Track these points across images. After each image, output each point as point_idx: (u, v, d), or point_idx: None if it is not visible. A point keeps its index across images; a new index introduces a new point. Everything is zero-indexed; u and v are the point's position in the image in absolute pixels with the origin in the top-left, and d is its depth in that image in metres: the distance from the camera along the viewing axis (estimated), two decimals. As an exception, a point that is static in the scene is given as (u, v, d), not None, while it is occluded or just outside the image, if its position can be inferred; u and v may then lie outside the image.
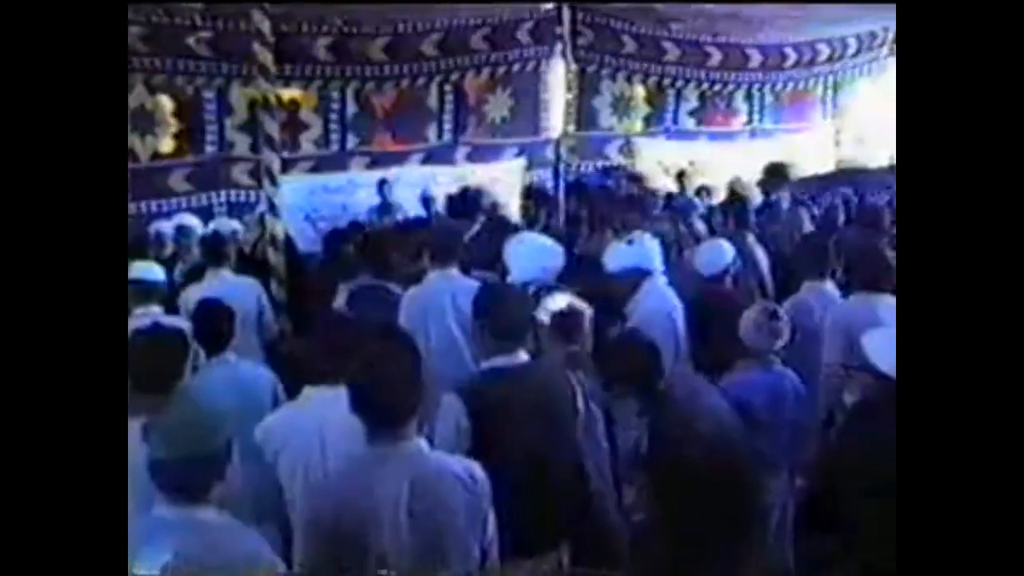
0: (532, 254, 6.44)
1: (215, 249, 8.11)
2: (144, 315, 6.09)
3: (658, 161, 13.65)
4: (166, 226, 10.07)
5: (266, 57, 9.06)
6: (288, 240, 9.25)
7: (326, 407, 4.22)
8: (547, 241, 6.80)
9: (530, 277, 6.14)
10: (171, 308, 6.77)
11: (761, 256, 8.24)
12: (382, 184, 11.84)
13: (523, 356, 4.44)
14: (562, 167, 12.86)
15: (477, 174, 12.65)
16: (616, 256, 6.51)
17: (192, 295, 7.08)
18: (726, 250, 7.01)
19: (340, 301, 6.90)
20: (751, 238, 8.39)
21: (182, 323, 5.78)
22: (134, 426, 3.87)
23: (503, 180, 12.69)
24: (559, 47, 12.58)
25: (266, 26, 8.96)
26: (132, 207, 11.28)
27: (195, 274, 8.12)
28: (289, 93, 11.88)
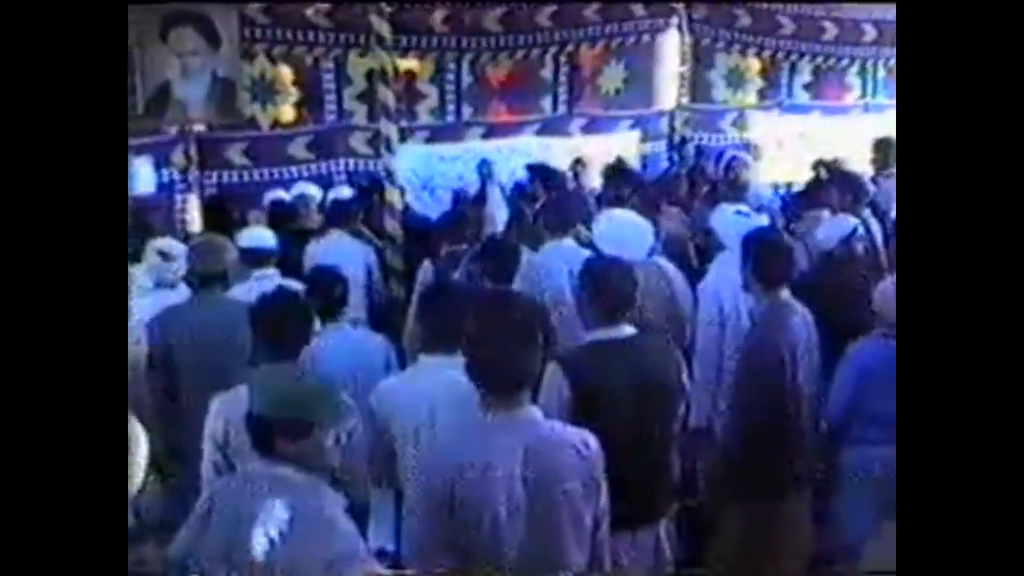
0: (620, 231, 6.45)
1: (334, 212, 8.29)
2: (262, 276, 6.32)
3: (771, 134, 13.51)
4: (285, 194, 10.30)
5: (383, 28, 9.20)
6: (405, 208, 9.44)
7: (438, 375, 4.32)
8: (636, 218, 6.77)
9: (620, 254, 6.20)
10: (287, 272, 6.93)
11: (876, 229, 8.17)
12: (482, 166, 11.57)
13: (628, 329, 4.46)
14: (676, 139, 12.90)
15: (591, 146, 12.64)
16: (731, 224, 6.54)
17: (309, 256, 7.30)
18: (849, 223, 6.96)
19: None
20: (867, 212, 8.32)
21: (290, 285, 5.98)
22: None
23: (617, 152, 12.68)
24: (674, 19, 12.56)
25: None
26: (256, 173, 11.63)
27: (312, 235, 8.29)
28: (406, 63, 12.00)
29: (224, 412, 4.32)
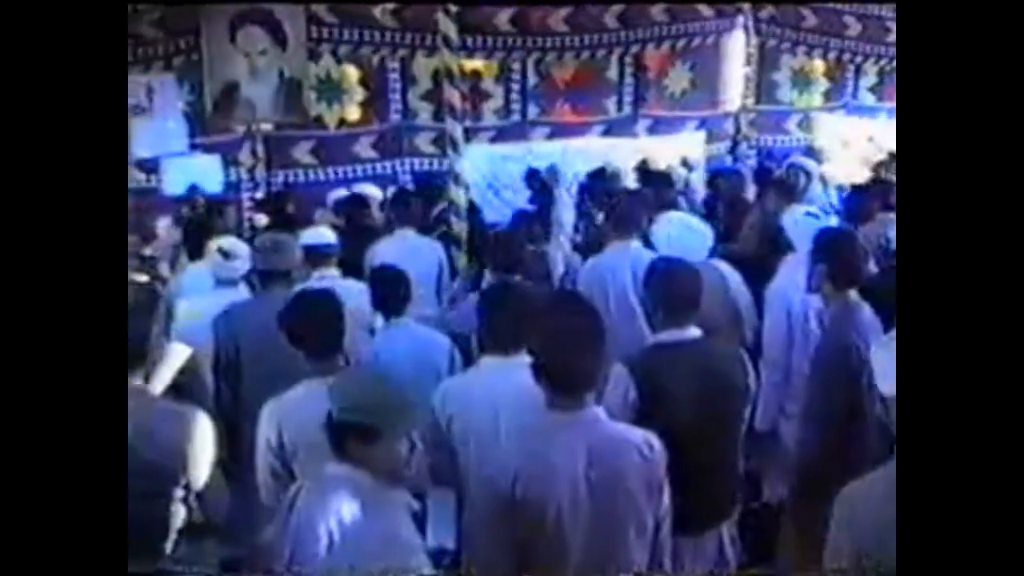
0: (680, 233, 6.42)
1: (399, 209, 8.30)
2: (320, 278, 6.34)
3: (837, 136, 13.40)
4: (344, 193, 10.34)
5: (449, 28, 9.22)
6: (471, 207, 9.44)
7: (501, 375, 4.30)
8: (695, 221, 6.74)
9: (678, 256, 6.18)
10: (349, 270, 6.94)
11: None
12: (531, 176, 11.39)
13: (694, 331, 4.42)
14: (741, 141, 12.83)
15: (657, 147, 12.60)
16: (802, 225, 6.45)
17: (375, 255, 7.30)
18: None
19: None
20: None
21: (350, 285, 6.04)
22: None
23: (683, 153, 12.65)
24: (740, 20, 12.49)
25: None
26: (321, 172, 11.71)
27: (377, 234, 8.29)
28: (471, 63, 12.03)
29: (278, 417, 4.31)
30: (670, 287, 4.47)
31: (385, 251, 7.38)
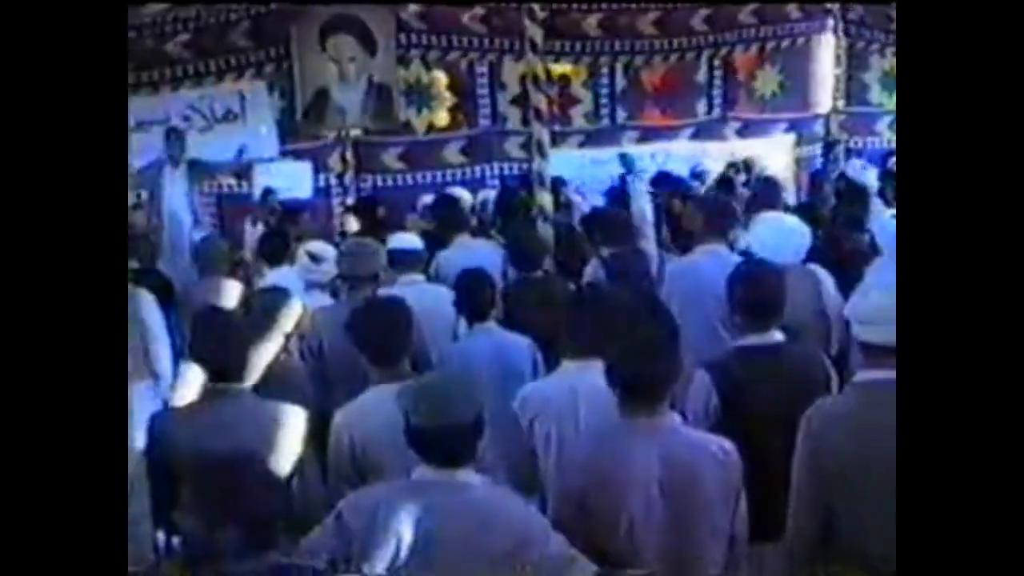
0: (777, 234, 6.26)
1: (451, 215, 8.39)
2: (408, 282, 6.38)
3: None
4: (428, 198, 10.36)
5: (536, 33, 9.23)
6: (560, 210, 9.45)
7: (582, 379, 4.27)
8: (793, 221, 6.58)
9: (774, 258, 6.13)
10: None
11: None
12: (617, 190, 10.68)
13: (777, 336, 4.38)
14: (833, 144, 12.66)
15: (747, 149, 12.51)
16: (890, 228, 6.35)
17: (441, 261, 7.35)
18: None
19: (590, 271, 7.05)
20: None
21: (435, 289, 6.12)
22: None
23: (773, 155, 12.54)
24: (829, 22, 12.37)
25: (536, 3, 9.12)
26: (410, 178, 11.80)
27: (441, 240, 8.29)
28: (560, 68, 12.06)
29: (348, 425, 4.30)
30: (752, 291, 4.43)
31: (451, 258, 7.36)
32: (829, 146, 12.84)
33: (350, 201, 11.38)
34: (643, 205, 7.66)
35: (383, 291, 5.97)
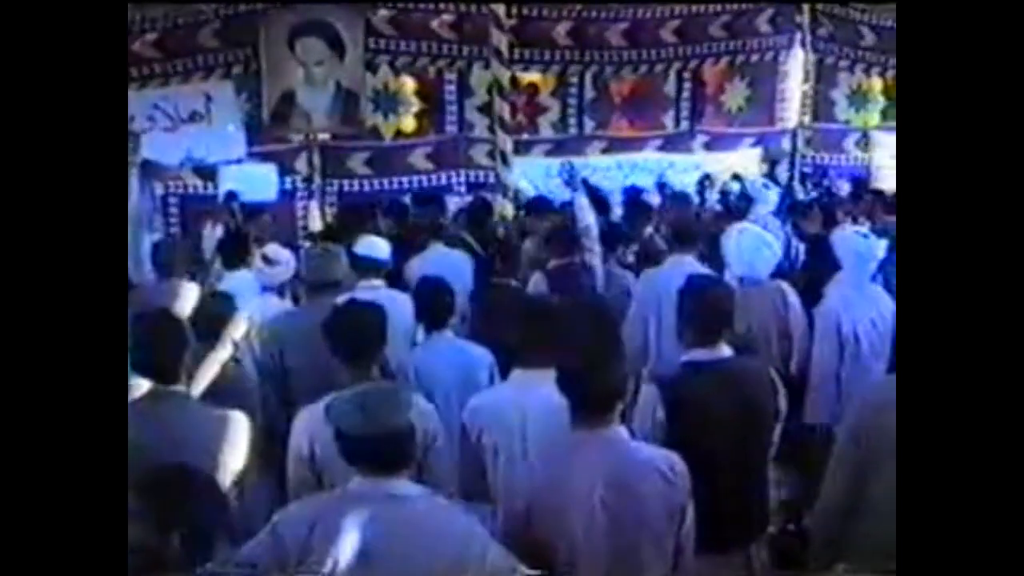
0: (750, 246, 6.37)
1: (430, 221, 8.34)
2: (368, 287, 6.35)
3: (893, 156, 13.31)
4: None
5: (502, 40, 9.25)
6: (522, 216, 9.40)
7: (531, 390, 4.25)
8: (767, 235, 6.66)
9: (747, 271, 6.18)
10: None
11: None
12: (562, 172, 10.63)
13: (725, 351, 4.36)
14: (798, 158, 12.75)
15: (713, 163, 12.58)
16: (851, 244, 6.38)
17: (413, 268, 7.32)
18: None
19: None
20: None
21: (395, 296, 6.05)
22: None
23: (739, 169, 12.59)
24: (798, 37, 12.45)
25: (502, 10, 9.12)
26: (376, 183, 11.78)
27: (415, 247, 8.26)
28: (529, 76, 12.07)
29: (308, 428, 4.27)
30: (701, 305, 4.42)
31: (421, 265, 7.35)
32: (794, 162, 12.98)
33: (315, 205, 11.37)
34: (587, 218, 7.60)
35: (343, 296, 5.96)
